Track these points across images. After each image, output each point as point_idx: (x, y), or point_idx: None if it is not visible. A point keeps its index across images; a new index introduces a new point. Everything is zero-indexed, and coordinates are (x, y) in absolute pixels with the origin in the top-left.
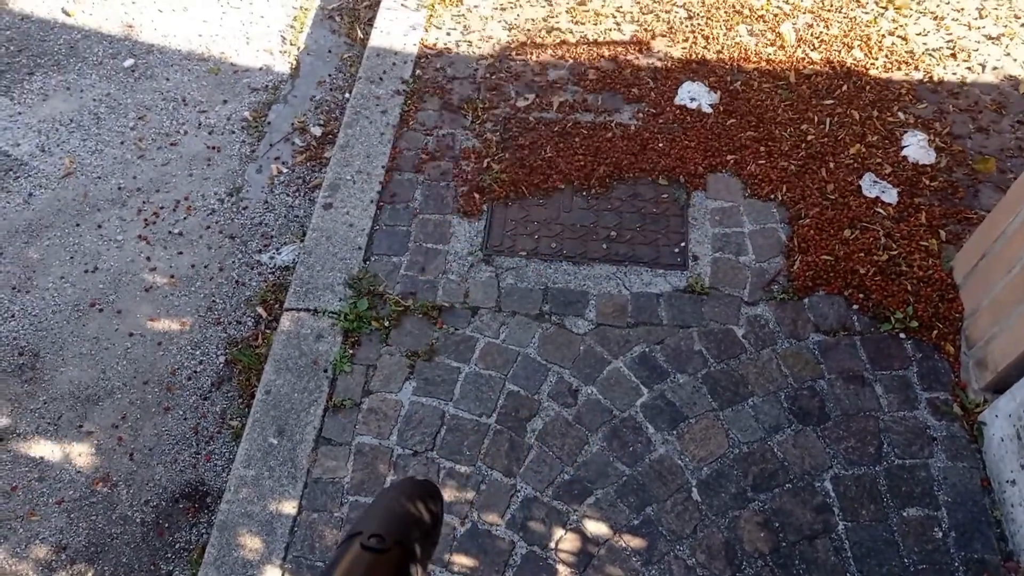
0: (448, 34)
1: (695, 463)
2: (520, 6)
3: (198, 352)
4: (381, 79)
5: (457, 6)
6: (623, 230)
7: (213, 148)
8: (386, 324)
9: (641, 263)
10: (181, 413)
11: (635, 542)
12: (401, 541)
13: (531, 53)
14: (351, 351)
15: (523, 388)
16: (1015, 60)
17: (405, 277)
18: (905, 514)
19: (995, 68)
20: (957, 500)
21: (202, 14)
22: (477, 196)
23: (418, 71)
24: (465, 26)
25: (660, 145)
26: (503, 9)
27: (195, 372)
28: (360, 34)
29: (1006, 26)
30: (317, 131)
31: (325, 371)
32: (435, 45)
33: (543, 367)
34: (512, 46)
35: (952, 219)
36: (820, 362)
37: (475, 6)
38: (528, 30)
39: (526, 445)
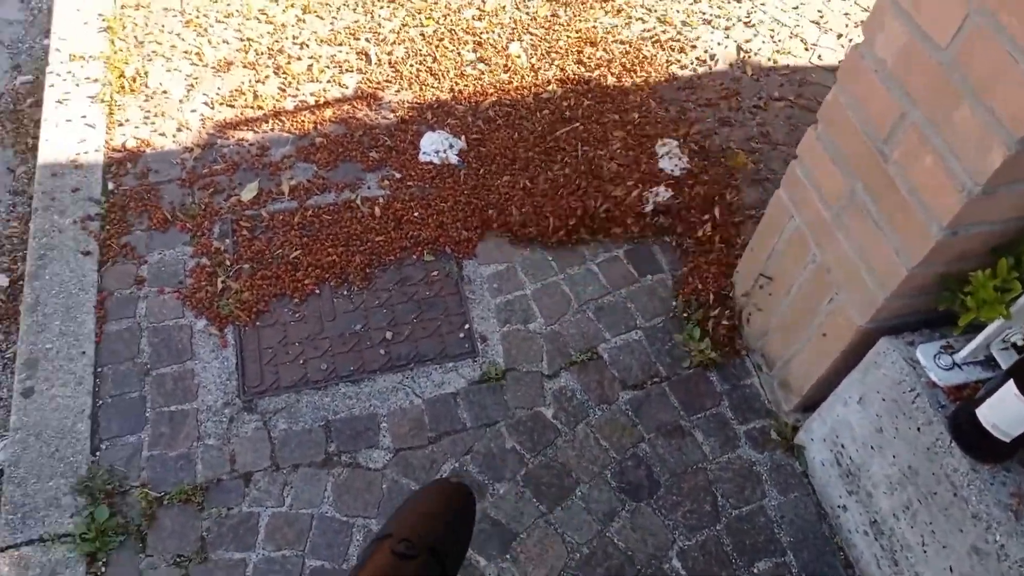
0: (138, 128)
1: None
2: (220, 76)
3: None
4: (64, 205)
5: (143, 91)
6: (399, 326)
7: None
8: (139, 528)
9: (427, 361)
10: None
11: None
12: (432, 548)
13: (245, 131)
14: None
15: (327, 559)
16: (735, 42)
17: (151, 459)
18: (755, 570)
19: (725, 53)
20: (799, 537)
21: None
22: (219, 328)
23: (111, 184)
24: (158, 114)
25: (416, 214)
26: (199, 83)
27: None
28: (32, 143)
29: (720, 7)
30: (3, 280)
31: None
32: (125, 146)
33: (345, 525)
34: (220, 127)
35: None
36: (636, 423)
37: (164, 88)
38: (234, 104)
39: None
